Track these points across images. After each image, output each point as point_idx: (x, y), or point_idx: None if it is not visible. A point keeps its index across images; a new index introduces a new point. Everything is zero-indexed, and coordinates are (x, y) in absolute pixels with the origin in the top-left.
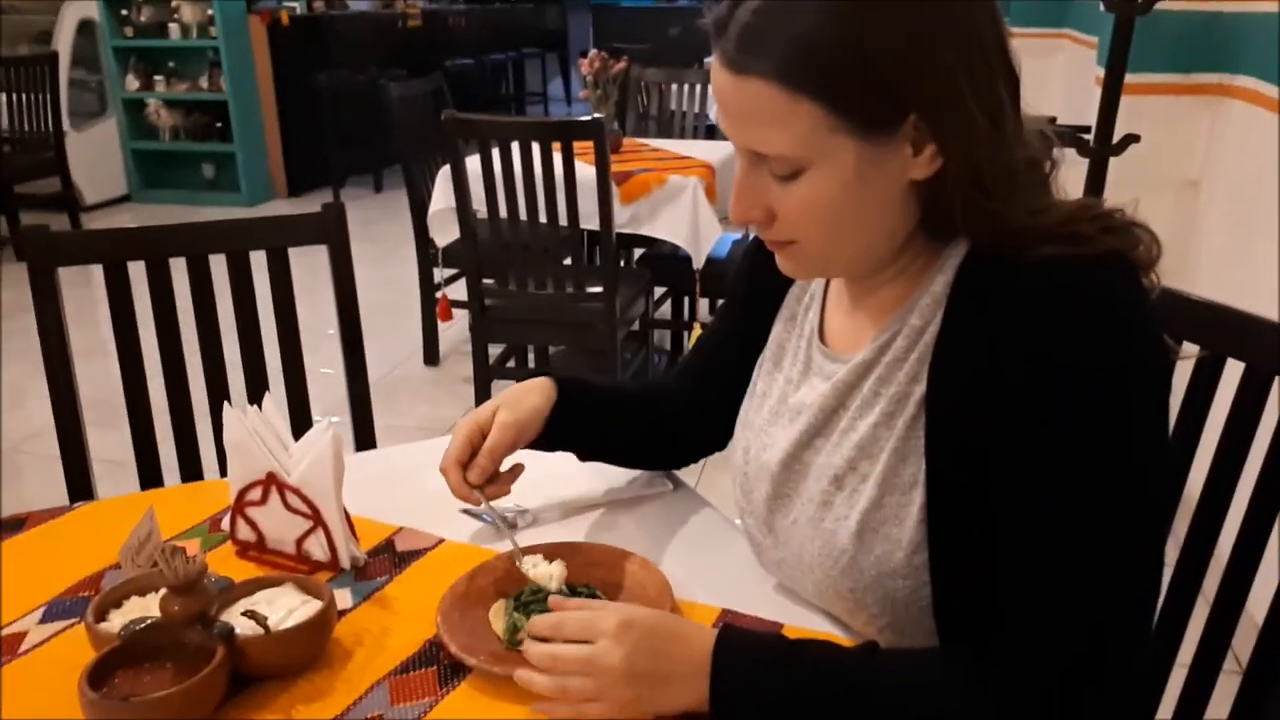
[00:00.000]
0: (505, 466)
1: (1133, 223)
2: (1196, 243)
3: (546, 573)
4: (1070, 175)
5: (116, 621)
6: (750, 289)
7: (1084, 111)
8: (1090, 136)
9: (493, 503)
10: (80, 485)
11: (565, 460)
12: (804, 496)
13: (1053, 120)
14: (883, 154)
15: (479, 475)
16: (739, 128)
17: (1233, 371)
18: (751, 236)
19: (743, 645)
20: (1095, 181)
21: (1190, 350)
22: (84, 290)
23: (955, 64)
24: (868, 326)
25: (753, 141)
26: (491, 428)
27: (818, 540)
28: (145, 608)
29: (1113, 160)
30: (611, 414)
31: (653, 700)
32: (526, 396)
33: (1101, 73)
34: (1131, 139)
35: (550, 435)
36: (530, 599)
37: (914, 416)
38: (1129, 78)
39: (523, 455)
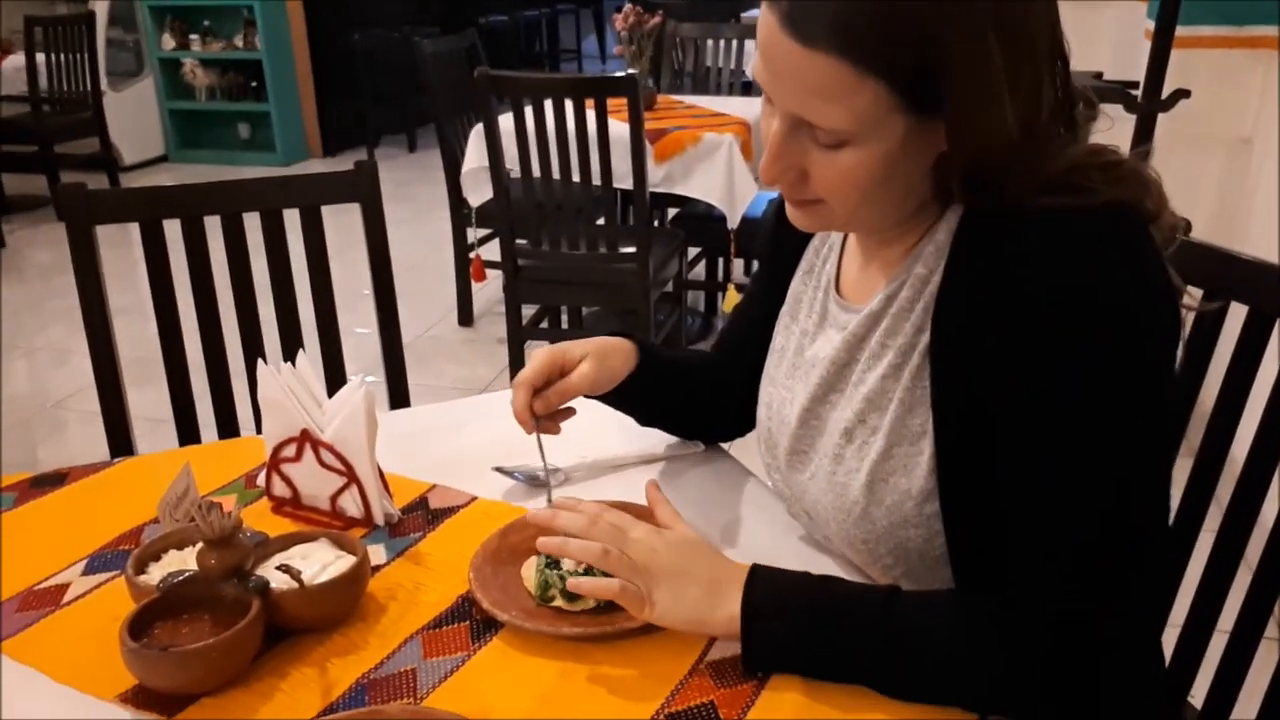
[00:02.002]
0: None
1: (1139, 171)
2: (1249, 201)
3: None
4: (1118, 131)
5: (155, 574)
6: (775, 251)
7: (1133, 66)
8: (1139, 92)
9: (524, 463)
10: (121, 441)
11: (598, 420)
12: (819, 452)
13: (1099, 75)
14: (927, 129)
15: (543, 408)
16: (794, 97)
17: None
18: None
19: (773, 574)
20: (1143, 138)
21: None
22: (123, 249)
23: (1001, 59)
24: (878, 277)
25: (808, 112)
26: (574, 371)
27: (830, 494)
28: (183, 561)
29: (1162, 117)
30: (674, 387)
31: (664, 597)
32: (612, 356)
33: (1151, 25)
34: (1182, 94)
35: (616, 397)
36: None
37: (919, 366)
38: (1180, 31)
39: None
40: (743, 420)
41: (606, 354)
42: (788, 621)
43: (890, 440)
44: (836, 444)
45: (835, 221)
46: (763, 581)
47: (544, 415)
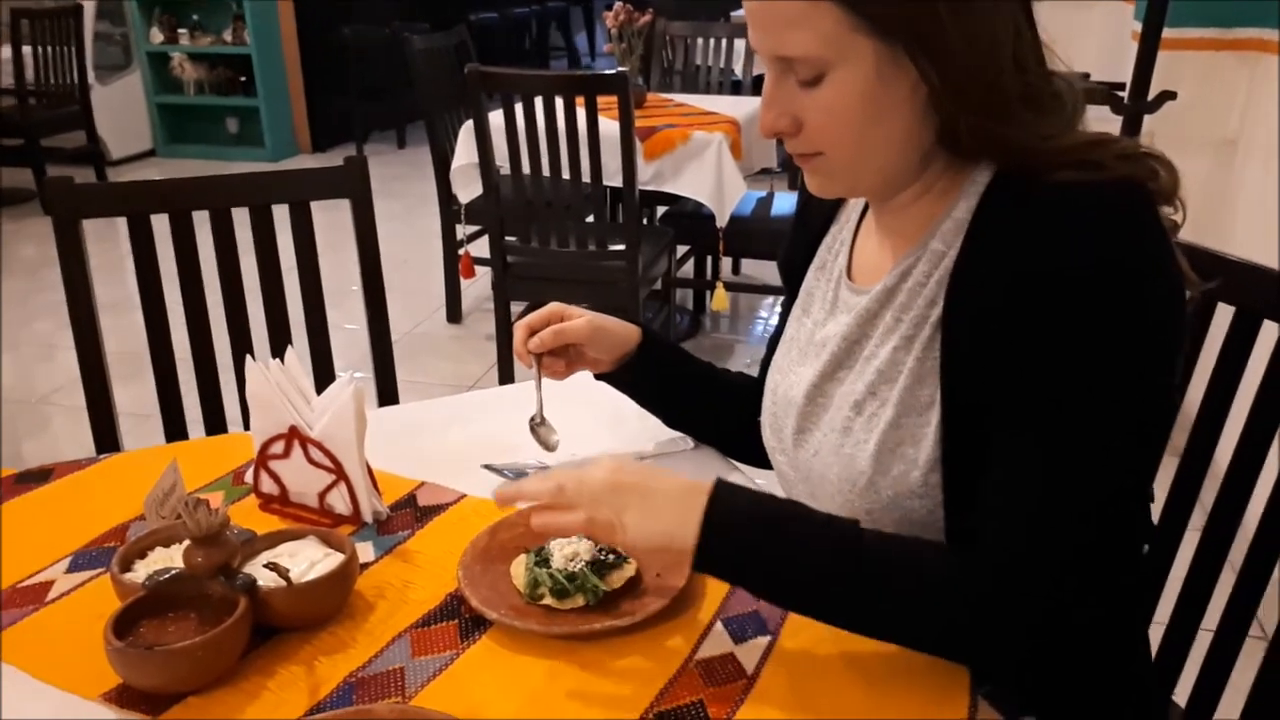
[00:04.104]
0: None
1: (1149, 153)
2: (1233, 202)
3: (573, 550)
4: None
5: (141, 572)
6: (790, 271)
7: (1120, 68)
8: (1125, 94)
9: (513, 460)
10: (107, 437)
11: (587, 418)
12: (825, 427)
13: (1087, 76)
14: (900, 58)
15: (538, 345)
16: (765, 33)
17: (1269, 333)
18: (785, 203)
19: (740, 487)
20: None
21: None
22: (110, 244)
23: None
24: (892, 254)
25: (778, 46)
26: (573, 319)
27: (837, 466)
28: (169, 559)
29: (1148, 118)
30: (690, 382)
31: (634, 516)
32: (613, 324)
33: (1138, 27)
34: (1168, 96)
35: (627, 377)
36: (551, 554)
37: (930, 338)
38: (1166, 33)
39: (551, 389)
40: None
41: (606, 320)
42: (749, 525)
43: (899, 411)
44: (846, 416)
45: (840, 174)
46: (728, 488)
47: (538, 352)
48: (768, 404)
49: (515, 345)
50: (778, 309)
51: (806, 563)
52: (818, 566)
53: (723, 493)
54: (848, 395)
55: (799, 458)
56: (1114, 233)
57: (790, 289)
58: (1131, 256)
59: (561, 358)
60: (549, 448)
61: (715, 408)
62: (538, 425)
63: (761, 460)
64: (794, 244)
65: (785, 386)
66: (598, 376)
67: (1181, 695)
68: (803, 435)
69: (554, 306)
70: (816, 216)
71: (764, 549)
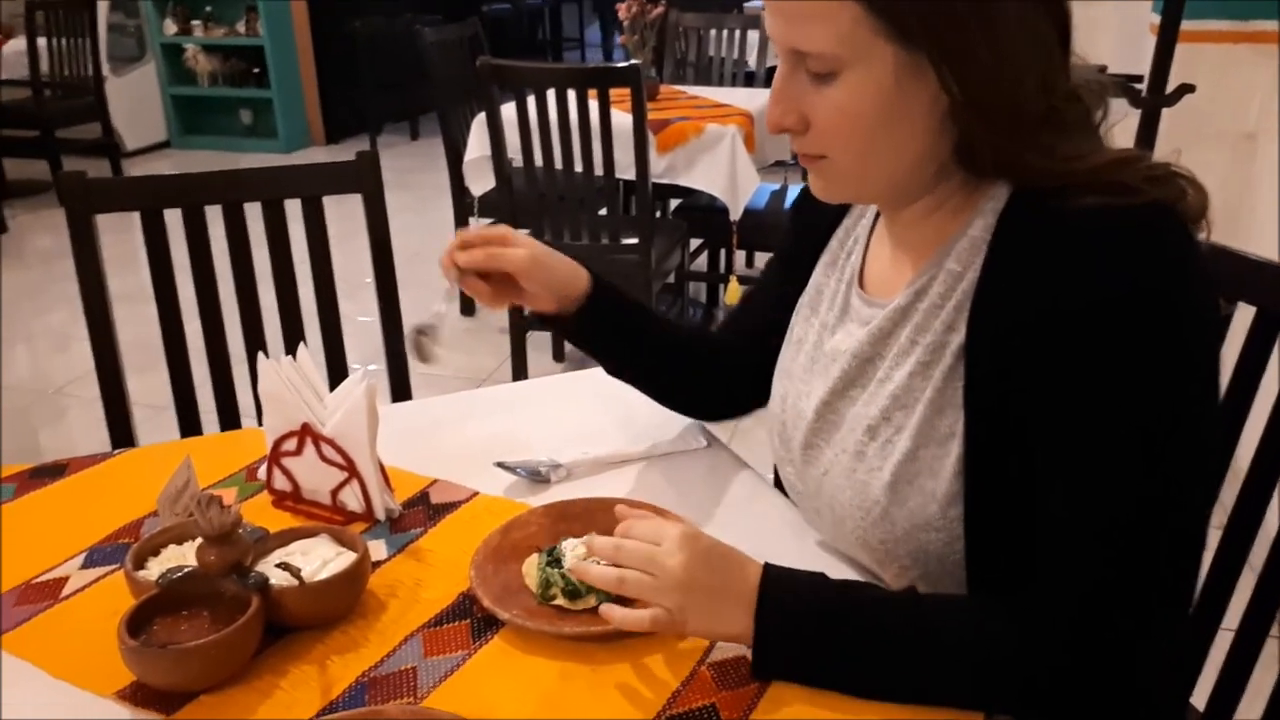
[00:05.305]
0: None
1: (1178, 173)
2: (1252, 197)
3: (584, 550)
4: (1122, 127)
5: (155, 569)
6: (796, 247)
7: (1137, 60)
8: (1143, 86)
9: (526, 458)
10: (121, 430)
11: (600, 415)
12: (836, 447)
13: (1103, 69)
14: (921, 67)
15: (466, 260)
16: (783, 24)
17: None
18: (797, 192)
19: (788, 581)
20: (1148, 133)
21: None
22: (125, 234)
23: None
24: (905, 269)
25: (796, 38)
26: (516, 246)
27: (849, 491)
28: (183, 556)
29: (1166, 111)
30: (643, 331)
31: (698, 616)
32: (560, 263)
33: (1156, 19)
34: (1186, 89)
35: (578, 326)
36: (563, 554)
37: (951, 367)
38: (1184, 25)
39: (565, 386)
40: (734, 401)
41: (551, 255)
42: (805, 633)
43: (917, 441)
44: (859, 440)
45: (845, 180)
46: (775, 586)
47: (467, 268)
48: (775, 411)
49: (443, 256)
50: None
51: (862, 663)
52: (874, 661)
53: (769, 603)
54: (860, 417)
55: (808, 473)
56: (1148, 260)
57: (792, 277)
58: (1166, 283)
59: (493, 284)
60: (424, 359)
61: (675, 370)
62: (422, 335)
63: (730, 412)
64: (800, 234)
65: (794, 397)
66: (541, 320)
67: (1200, 698)
68: (811, 451)
69: (500, 229)
70: (830, 206)
71: (818, 654)
